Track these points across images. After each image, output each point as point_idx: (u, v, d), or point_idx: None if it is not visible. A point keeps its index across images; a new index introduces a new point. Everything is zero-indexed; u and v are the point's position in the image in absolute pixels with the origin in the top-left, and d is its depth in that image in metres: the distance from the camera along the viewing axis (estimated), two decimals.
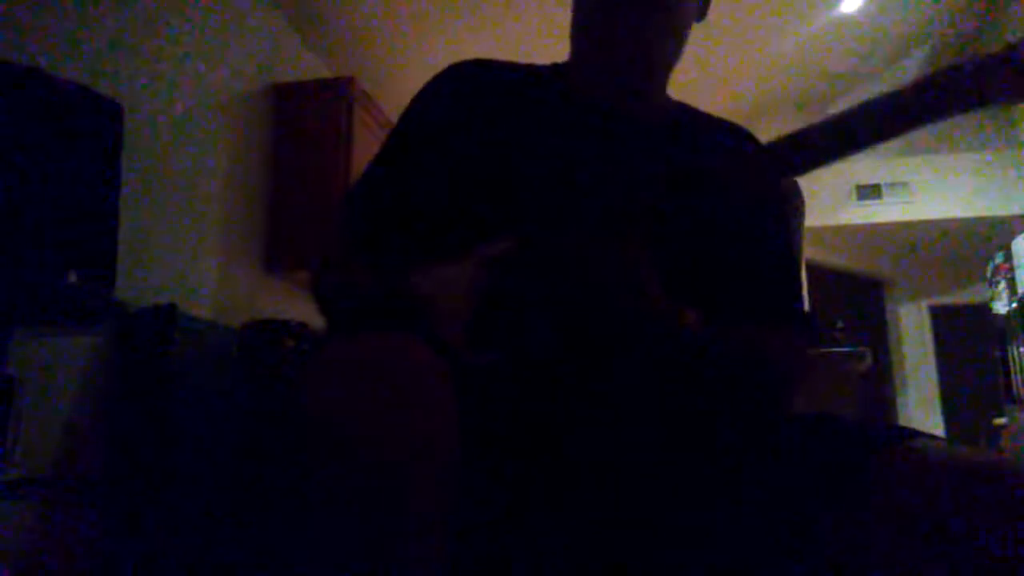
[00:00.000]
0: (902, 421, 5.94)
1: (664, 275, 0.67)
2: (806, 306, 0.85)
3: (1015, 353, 4.28)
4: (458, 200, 0.78)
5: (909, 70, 4.58)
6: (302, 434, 0.51)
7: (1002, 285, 4.50)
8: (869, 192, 5.39)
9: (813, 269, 5.39)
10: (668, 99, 0.89)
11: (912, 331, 6.33)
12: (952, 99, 0.56)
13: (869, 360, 3.00)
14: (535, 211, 0.74)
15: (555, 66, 0.89)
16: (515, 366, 0.66)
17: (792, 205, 1.12)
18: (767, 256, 0.83)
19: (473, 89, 0.83)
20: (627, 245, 0.65)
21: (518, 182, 0.77)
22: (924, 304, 6.37)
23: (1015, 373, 4.28)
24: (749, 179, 0.66)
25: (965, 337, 6.10)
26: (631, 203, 0.67)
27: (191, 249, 2.81)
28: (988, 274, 4.77)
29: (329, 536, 0.49)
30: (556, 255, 0.65)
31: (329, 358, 0.54)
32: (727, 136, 0.88)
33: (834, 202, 5.35)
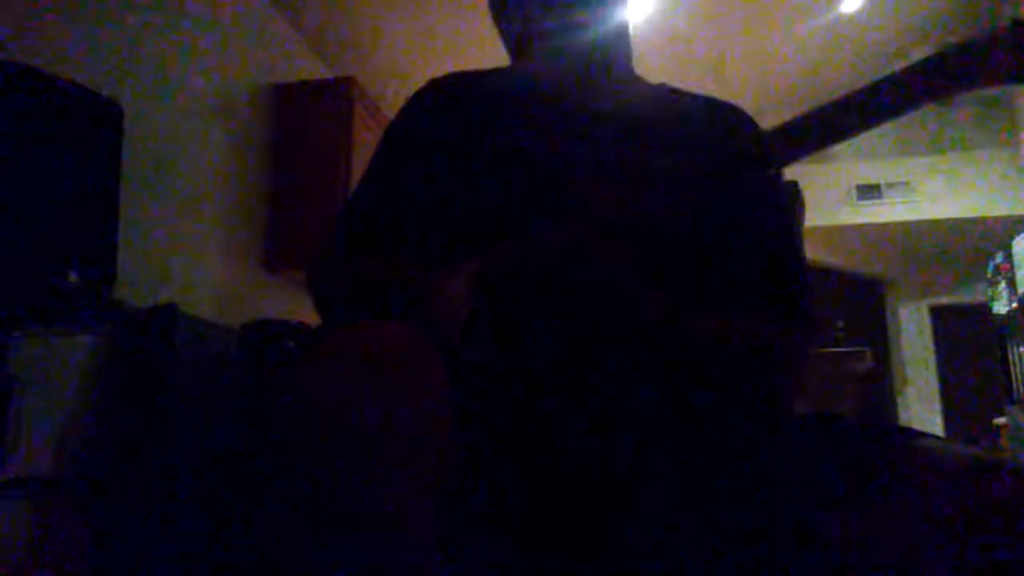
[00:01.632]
0: (902, 421, 5.94)
1: (658, 269, 0.67)
2: (809, 301, 0.84)
3: (1015, 353, 4.27)
4: (446, 206, 0.80)
5: None
6: (298, 420, 0.51)
7: (1002, 285, 4.50)
8: (869, 192, 5.39)
9: (813, 269, 5.38)
10: (646, 83, 0.89)
11: (912, 331, 6.33)
12: (957, 77, 0.55)
13: (869, 360, 3.00)
14: (524, 212, 0.74)
15: (520, 65, 0.90)
16: (510, 363, 0.66)
17: (796, 199, 1.11)
18: (765, 248, 0.82)
19: (453, 100, 0.86)
20: (613, 242, 0.65)
21: (504, 184, 0.78)
22: (924, 304, 6.37)
23: (1015, 373, 4.28)
24: (741, 172, 0.66)
25: (965, 337, 6.10)
26: (618, 200, 0.68)
27: (191, 249, 2.81)
28: (988, 274, 4.77)
29: (324, 528, 0.49)
30: (548, 254, 0.65)
31: (326, 345, 0.54)
32: (715, 115, 0.87)
33: (834, 202, 5.35)
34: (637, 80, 0.89)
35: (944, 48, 0.56)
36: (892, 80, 0.58)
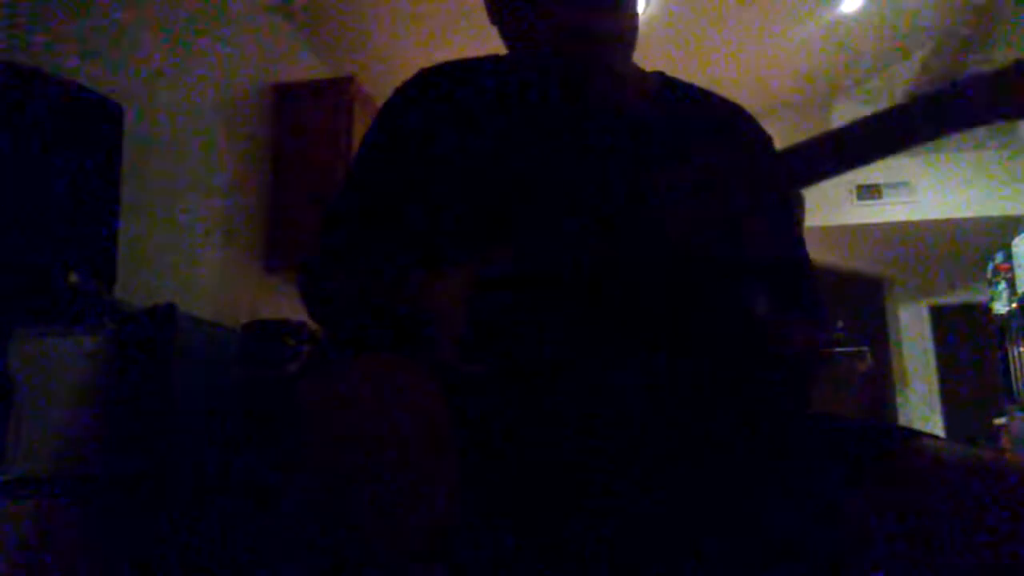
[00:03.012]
0: (902, 421, 5.94)
1: (667, 269, 0.67)
2: (819, 298, 0.83)
3: (1015, 353, 4.27)
4: (435, 204, 0.77)
5: (909, 71, 4.58)
6: (299, 459, 0.51)
7: (1002, 285, 4.50)
8: (869, 192, 5.39)
9: (813, 269, 5.38)
10: (645, 73, 0.86)
11: (912, 331, 6.33)
12: (959, 114, 0.55)
13: (869, 360, 3.00)
14: (519, 214, 0.72)
15: (512, 55, 0.85)
16: (510, 377, 0.65)
17: (796, 199, 1.10)
18: (775, 248, 0.81)
19: (442, 93, 0.82)
20: (616, 244, 0.65)
21: (496, 183, 0.75)
22: (924, 304, 6.37)
23: (1015, 373, 4.28)
24: (750, 189, 0.65)
25: (965, 337, 6.10)
26: (625, 205, 0.67)
27: (191, 249, 2.81)
28: (988, 274, 4.77)
29: (327, 550, 0.49)
30: (549, 265, 0.64)
31: (325, 382, 0.54)
32: (718, 113, 0.85)
33: (834, 202, 5.35)
34: (636, 71, 0.86)
35: (948, 84, 0.56)
36: (898, 113, 0.58)
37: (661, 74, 0.87)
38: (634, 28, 0.81)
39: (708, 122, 0.83)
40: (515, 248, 0.66)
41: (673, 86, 0.87)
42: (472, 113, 0.81)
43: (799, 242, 0.85)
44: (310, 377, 0.56)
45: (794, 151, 0.61)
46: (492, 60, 0.86)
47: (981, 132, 5.33)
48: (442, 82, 0.83)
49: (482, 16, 0.85)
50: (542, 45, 0.77)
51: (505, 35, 0.82)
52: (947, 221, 5.32)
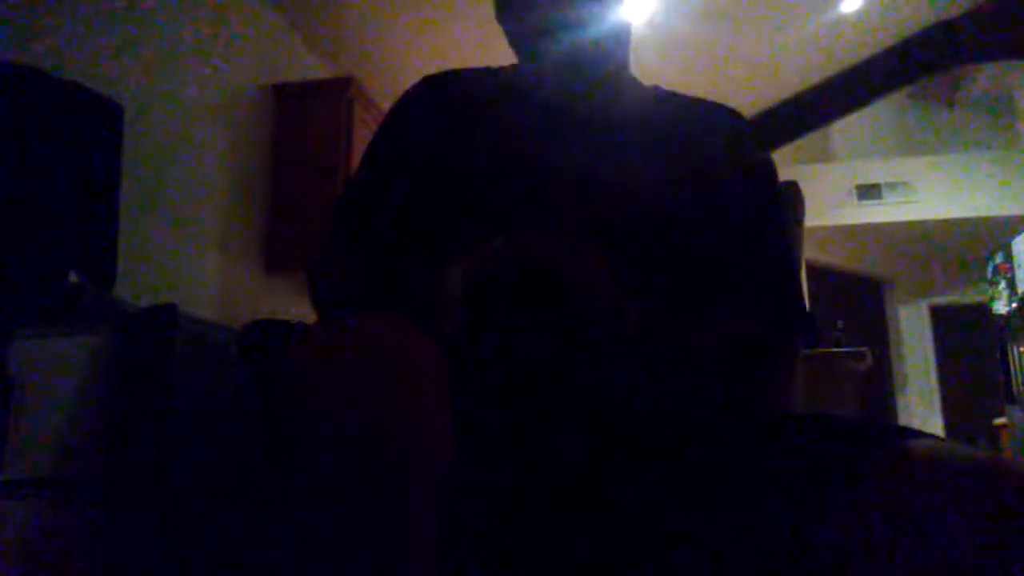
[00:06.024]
0: (902, 421, 5.94)
1: (646, 272, 0.68)
2: (804, 304, 0.83)
3: (1015, 353, 4.27)
4: (438, 204, 0.80)
5: None
6: (292, 410, 0.51)
7: (1002, 285, 4.51)
8: (869, 192, 5.39)
9: (813, 269, 5.39)
10: (640, 84, 0.90)
11: (912, 331, 6.33)
12: (941, 55, 0.55)
13: (869, 360, 3.00)
14: (513, 210, 0.75)
15: (517, 66, 0.90)
16: (495, 360, 0.67)
17: (796, 199, 1.11)
18: (756, 250, 0.82)
19: (447, 97, 0.87)
20: (594, 245, 0.66)
21: (493, 182, 0.78)
22: (924, 304, 6.37)
23: (1015, 373, 4.28)
24: (732, 174, 0.66)
25: (965, 337, 6.10)
26: (605, 203, 0.68)
27: (191, 249, 2.81)
28: (988, 274, 4.77)
29: (325, 527, 0.49)
30: (527, 256, 0.65)
31: (320, 336, 0.54)
32: (709, 116, 0.87)
33: (834, 202, 5.35)
34: (632, 82, 0.89)
35: (928, 27, 0.56)
36: (879, 60, 0.59)
37: (657, 87, 0.91)
38: (621, 31, 0.84)
39: (701, 128, 0.85)
40: (511, 243, 0.67)
41: (669, 95, 0.90)
42: (472, 118, 0.84)
43: (785, 244, 0.86)
44: (303, 334, 0.56)
45: (774, 111, 0.63)
46: (493, 69, 0.91)
47: (981, 132, 5.33)
48: (446, 88, 0.88)
49: (480, 17, 0.87)
50: (532, 46, 0.82)
51: (506, 34, 0.85)
52: (947, 221, 5.33)
